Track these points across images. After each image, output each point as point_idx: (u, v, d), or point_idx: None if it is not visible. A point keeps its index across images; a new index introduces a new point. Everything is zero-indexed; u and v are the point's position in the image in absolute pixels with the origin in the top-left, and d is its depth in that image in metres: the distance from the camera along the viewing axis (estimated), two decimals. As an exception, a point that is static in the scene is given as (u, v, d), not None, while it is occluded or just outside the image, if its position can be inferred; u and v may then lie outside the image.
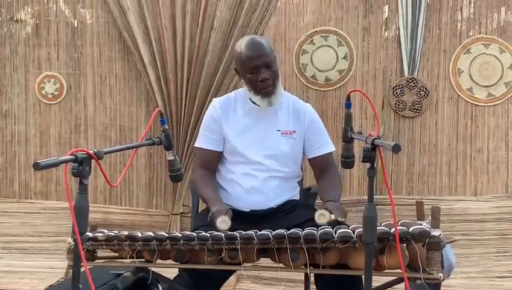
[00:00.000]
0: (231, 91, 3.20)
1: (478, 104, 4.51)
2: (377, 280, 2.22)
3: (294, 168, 3.05)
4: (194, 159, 3.13)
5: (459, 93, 4.51)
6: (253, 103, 2.94)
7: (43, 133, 4.79)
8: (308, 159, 3.07)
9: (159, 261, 2.43)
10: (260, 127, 2.96)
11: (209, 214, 2.66)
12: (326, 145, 3.04)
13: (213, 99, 3.16)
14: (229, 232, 2.34)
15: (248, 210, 2.88)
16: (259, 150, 2.93)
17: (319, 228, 2.34)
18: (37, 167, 1.67)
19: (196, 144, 3.08)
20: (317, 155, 3.02)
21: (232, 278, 3.87)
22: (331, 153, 3.05)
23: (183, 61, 4.47)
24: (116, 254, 2.50)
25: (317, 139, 3.03)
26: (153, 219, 4.68)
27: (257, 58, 2.83)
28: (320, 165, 3.03)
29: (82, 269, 1.88)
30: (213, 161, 3.03)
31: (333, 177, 2.99)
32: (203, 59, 4.46)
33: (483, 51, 4.48)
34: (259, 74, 2.84)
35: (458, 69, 4.49)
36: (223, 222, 2.52)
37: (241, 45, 2.90)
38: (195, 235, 2.34)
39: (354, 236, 2.22)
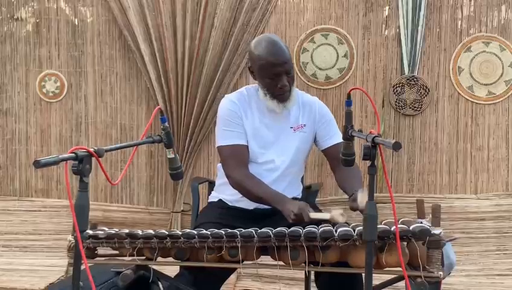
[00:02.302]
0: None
1: (478, 102, 4.51)
2: (377, 278, 2.23)
3: (302, 164, 3.06)
4: (224, 159, 2.93)
5: (460, 92, 4.51)
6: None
7: (44, 132, 4.80)
8: (323, 151, 3.04)
9: (159, 259, 2.43)
10: (274, 127, 2.94)
11: (292, 216, 2.57)
12: (338, 135, 3.01)
13: (225, 95, 3.06)
14: (230, 230, 2.34)
15: (252, 208, 2.87)
16: (272, 149, 2.92)
17: (319, 226, 2.34)
18: (37, 164, 1.67)
19: (222, 143, 2.93)
20: (331, 145, 2.99)
21: (233, 276, 3.89)
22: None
23: (183, 60, 4.47)
24: (117, 252, 2.50)
25: (329, 130, 3.01)
26: (154, 217, 4.68)
27: (280, 66, 2.79)
28: (334, 155, 2.97)
29: (82, 267, 1.88)
30: (246, 156, 2.93)
31: (352, 169, 2.96)
32: (204, 57, 4.46)
33: (483, 49, 4.48)
34: (279, 81, 2.81)
35: (458, 67, 4.49)
36: (341, 215, 2.45)
37: (261, 46, 2.83)
38: (195, 233, 2.34)
39: (355, 234, 2.22)
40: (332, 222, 2.43)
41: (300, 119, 2.99)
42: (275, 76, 2.80)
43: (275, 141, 2.93)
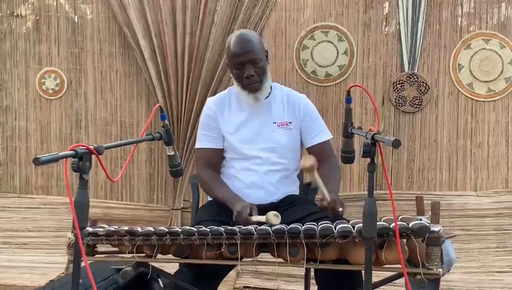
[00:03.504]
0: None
1: (478, 99, 4.51)
2: (377, 275, 2.23)
3: (293, 160, 3.05)
4: (197, 160, 3.12)
5: (459, 89, 4.51)
6: None
7: (44, 129, 4.80)
8: (306, 149, 3.07)
9: (159, 256, 2.43)
10: (256, 122, 2.97)
11: (235, 213, 2.64)
12: (323, 133, 3.04)
13: (207, 99, 3.17)
14: (229, 227, 2.34)
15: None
16: (257, 144, 2.95)
17: (318, 224, 2.34)
18: (37, 162, 1.67)
19: (197, 145, 3.08)
20: (314, 144, 3.02)
21: (232, 273, 3.89)
22: (328, 141, 3.05)
23: (183, 57, 4.47)
24: (117, 249, 2.50)
25: (313, 128, 3.03)
26: (154, 214, 4.69)
27: (242, 55, 2.85)
28: (318, 154, 3.00)
29: (82, 264, 1.88)
30: (217, 159, 3.04)
31: (331, 167, 2.98)
32: (204, 54, 4.46)
33: (483, 46, 4.48)
34: (244, 70, 2.86)
35: (458, 65, 4.49)
36: (275, 216, 2.47)
37: (230, 40, 2.92)
38: (195, 230, 2.34)
39: (354, 231, 2.22)
40: (269, 223, 2.44)
41: (285, 116, 3.01)
42: (240, 66, 2.87)
43: (257, 136, 2.97)
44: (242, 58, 2.85)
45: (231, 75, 3.00)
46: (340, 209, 2.55)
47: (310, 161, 2.56)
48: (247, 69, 2.86)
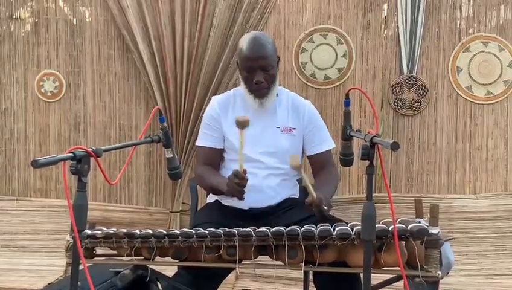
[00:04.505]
0: (230, 89, 3.21)
1: (477, 102, 4.51)
2: (376, 278, 2.22)
3: None
4: (195, 157, 3.12)
5: (458, 92, 4.51)
6: None
7: (42, 131, 4.79)
8: (307, 156, 3.07)
9: (157, 259, 2.42)
10: (259, 125, 2.96)
11: (227, 182, 2.68)
12: (325, 142, 3.04)
13: (212, 97, 3.16)
14: (228, 229, 2.34)
15: (247, 208, 2.87)
16: (258, 147, 2.94)
17: (317, 226, 2.34)
18: (35, 164, 1.67)
19: (197, 143, 3.09)
20: (315, 153, 3.03)
21: (232, 275, 3.88)
22: (329, 150, 3.05)
23: (182, 60, 4.47)
24: (115, 252, 2.50)
25: (316, 137, 3.03)
26: (153, 216, 4.68)
27: (255, 60, 2.84)
28: (318, 163, 3.03)
29: (81, 267, 1.88)
30: (215, 158, 3.03)
31: (329, 175, 2.99)
32: (203, 57, 4.46)
33: (482, 49, 4.48)
34: (254, 75, 2.85)
35: (457, 67, 4.50)
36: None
37: (243, 41, 2.91)
38: (193, 232, 2.34)
39: (353, 233, 2.22)
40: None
41: (290, 122, 3.00)
42: (251, 70, 2.87)
43: (259, 139, 2.95)
44: (254, 63, 2.85)
45: (239, 75, 2.99)
46: (325, 207, 2.56)
47: (295, 161, 2.72)
48: (257, 75, 2.85)
